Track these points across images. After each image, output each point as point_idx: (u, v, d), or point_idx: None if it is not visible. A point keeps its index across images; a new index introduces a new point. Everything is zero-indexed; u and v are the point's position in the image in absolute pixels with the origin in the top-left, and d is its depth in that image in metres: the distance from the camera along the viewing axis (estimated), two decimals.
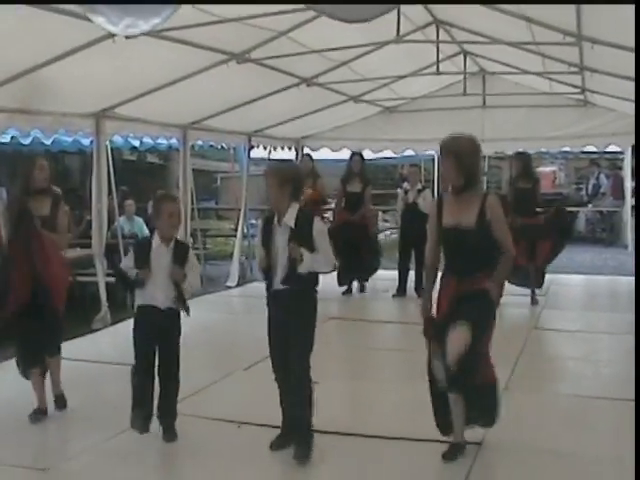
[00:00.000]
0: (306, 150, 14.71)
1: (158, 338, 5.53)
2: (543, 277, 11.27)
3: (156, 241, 5.57)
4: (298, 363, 5.15)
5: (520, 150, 12.44)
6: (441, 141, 5.08)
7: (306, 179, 11.97)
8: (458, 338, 4.78)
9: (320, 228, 5.23)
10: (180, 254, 5.59)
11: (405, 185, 12.38)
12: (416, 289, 11.89)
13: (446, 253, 5.25)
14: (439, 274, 5.32)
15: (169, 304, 5.54)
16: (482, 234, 4.98)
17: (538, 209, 11.27)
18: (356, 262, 11.92)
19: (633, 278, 14.20)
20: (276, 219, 5.21)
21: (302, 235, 5.09)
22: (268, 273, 5.27)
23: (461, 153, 4.98)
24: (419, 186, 12.17)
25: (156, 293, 5.51)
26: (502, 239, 5.02)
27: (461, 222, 4.98)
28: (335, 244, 12.02)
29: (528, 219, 10.64)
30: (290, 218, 5.15)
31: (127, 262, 5.71)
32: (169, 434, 5.61)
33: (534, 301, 11.00)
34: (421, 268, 11.87)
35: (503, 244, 5.02)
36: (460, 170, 4.96)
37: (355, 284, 12.38)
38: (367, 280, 12.42)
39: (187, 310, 5.61)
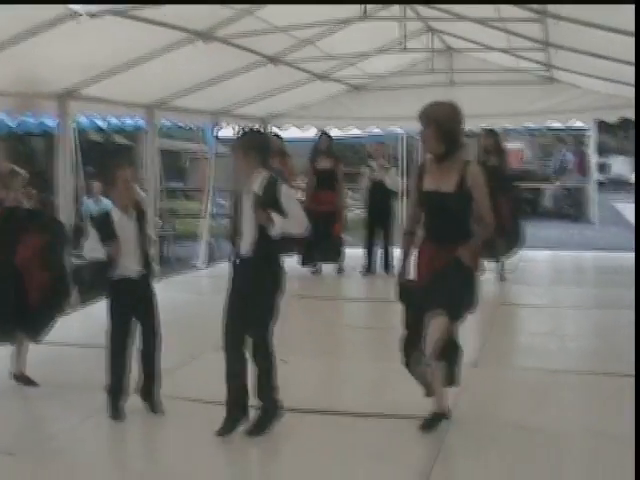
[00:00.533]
0: (273, 129, 14.65)
1: (136, 307, 5.59)
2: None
3: (116, 213, 5.55)
4: (258, 332, 5.16)
5: (488, 127, 12.50)
6: (421, 108, 5.01)
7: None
8: (436, 330, 4.80)
9: (286, 192, 5.19)
10: (143, 218, 5.74)
11: (371, 163, 12.38)
12: (385, 266, 11.97)
13: (426, 219, 5.19)
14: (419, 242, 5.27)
15: (141, 270, 5.60)
16: (462, 200, 4.96)
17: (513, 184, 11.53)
18: (323, 244, 11.90)
19: (600, 254, 14.43)
20: (244, 188, 5.19)
21: (268, 200, 5.05)
22: (235, 240, 5.24)
23: (441, 120, 4.92)
24: (385, 164, 12.21)
25: (128, 264, 5.52)
26: (482, 208, 5.00)
27: (441, 187, 4.95)
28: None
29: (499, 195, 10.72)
30: (256, 184, 5.12)
31: (91, 244, 5.56)
32: (156, 406, 5.68)
33: (502, 277, 11.09)
34: (389, 245, 11.99)
35: (483, 213, 5.01)
36: (440, 138, 4.91)
37: (325, 266, 12.36)
38: (336, 262, 12.33)
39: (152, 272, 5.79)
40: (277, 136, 12.69)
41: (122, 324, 5.55)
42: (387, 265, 12.06)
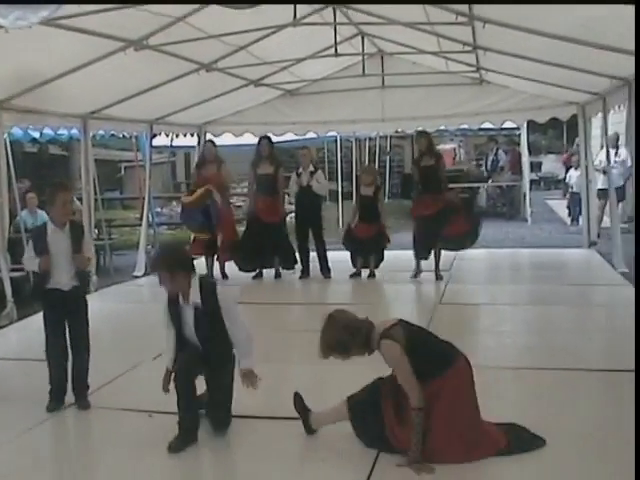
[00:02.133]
0: (208, 136, 14.64)
1: (67, 317, 5.86)
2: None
3: (50, 227, 5.82)
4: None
5: (421, 128, 12.67)
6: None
7: (210, 165, 12.08)
8: None
9: (224, 298, 5.25)
10: (76, 234, 5.89)
11: (298, 169, 12.38)
12: (321, 269, 12.10)
13: None
14: None
15: (73, 283, 5.86)
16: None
17: (447, 185, 11.65)
18: (267, 250, 11.97)
19: (534, 250, 14.71)
20: (180, 298, 5.22)
21: (210, 310, 5.15)
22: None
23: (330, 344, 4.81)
24: (311, 168, 12.16)
25: (59, 277, 5.80)
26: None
27: None
28: (249, 230, 12.12)
29: (435, 195, 11.07)
30: (195, 294, 5.17)
31: (29, 252, 5.88)
32: (83, 402, 5.93)
33: (438, 277, 11.26)
34: (322, 248, 12.09)
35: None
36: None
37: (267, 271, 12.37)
38: (289, 269, 12.32)
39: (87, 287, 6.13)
40: (212, 142, 12.57)
41: (55, 334, 5.84)
42: (322, 268, 12.11)
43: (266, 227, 11.78)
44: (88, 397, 5.98)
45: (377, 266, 11.81)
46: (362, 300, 10.03)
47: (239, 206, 15.71)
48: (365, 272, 11.83)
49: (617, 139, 15.24)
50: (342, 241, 11.99)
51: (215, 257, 12.12)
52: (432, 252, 11.36)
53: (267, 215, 11.84)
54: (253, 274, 12.20)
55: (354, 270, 11.93)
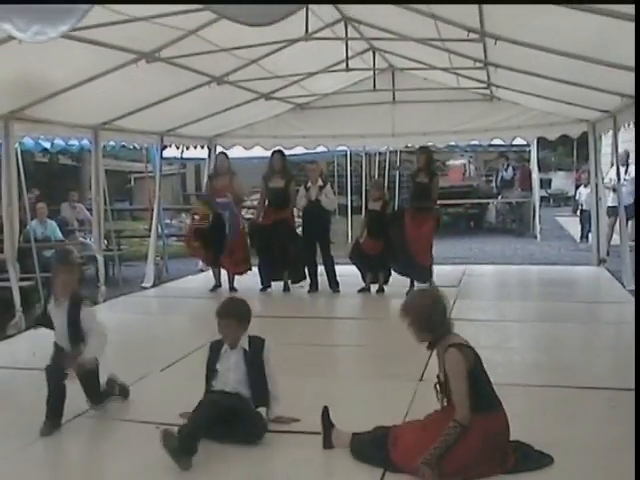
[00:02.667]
0: (219, 149, 14.69)
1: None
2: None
3: (52, 300, 5.92)
4: None
5: (424, 144, 12.74)
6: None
7: (222, 177, 12.14)
8: None
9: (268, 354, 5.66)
10: (73, 313, 5.79)
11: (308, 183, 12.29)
12: (330, 284, 12.05)
13: None
14: None
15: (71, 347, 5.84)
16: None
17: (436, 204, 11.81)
18: (281, 262, 11.98)
19: (543, 267, 14.67)
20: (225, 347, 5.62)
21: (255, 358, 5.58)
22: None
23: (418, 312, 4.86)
24: (320, 183, 12.12)
25: (61, 341, 5.85)
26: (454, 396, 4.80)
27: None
28: (259, 242, 12.18)
29: (423, 213, 11.26)
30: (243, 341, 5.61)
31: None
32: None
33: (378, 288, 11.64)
34: (329, 263, 12.07)
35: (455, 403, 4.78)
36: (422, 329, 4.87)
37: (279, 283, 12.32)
38: (297, 282, 12.28)
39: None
40: (224, 155, 12.63)
41: (55, 380, 5.72)
42: (331, 282, 12.06)
43: (276, 240, 11.76)
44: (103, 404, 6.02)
45: (386, 282, 11.75)
46: (371, 315, 10.04)
47: (248, 218, 15.69)
48: (374, 287, 11.80)
49: (627, 157, 15.21)
50: (349, 256, 11.96)
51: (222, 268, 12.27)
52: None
53: (277, 226, 11.81)
54: (261, 287, 12.17)
55: (363, 285, 11.88)
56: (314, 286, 12.13)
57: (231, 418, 5.29)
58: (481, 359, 4.87)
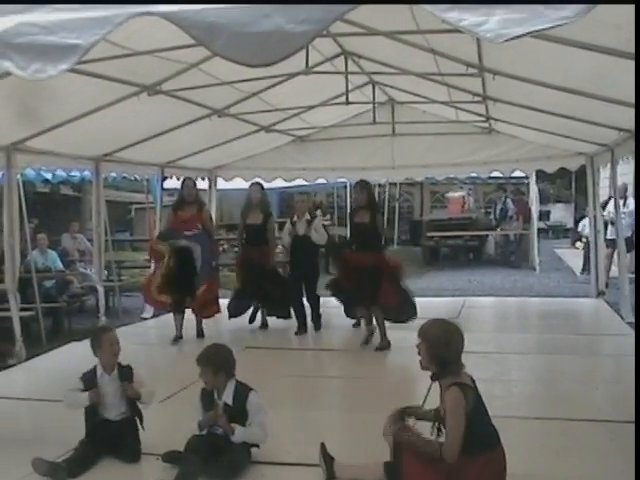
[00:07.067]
0: (219, 180, 14.73)
1: (112, 446, 5.69)
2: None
3: (99, 370, 5.80)
4: None
5: (362, 178, 10.88)
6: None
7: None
8: None
9: (254, 402, 5.50)
10: (125, 378, 5.83)
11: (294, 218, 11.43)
12: (312, 319, 11.44)
13: None
14: None
15: (121, 417, 5.79)
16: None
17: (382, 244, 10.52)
18: (260, 297, 11.39)
19: (543, 299, 14.68)
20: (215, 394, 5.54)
21: (237, 410, 5.43)
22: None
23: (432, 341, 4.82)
24: (307, 217, 11.32)
25: (107, 413, 5.75)
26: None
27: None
28: (241, 278, 11.49)
29: (367, 255, 9.84)
30: (227, 394, 5.49)
31: (75, 386, 5.79)
32: None
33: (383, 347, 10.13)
34: (316, 302, 11.34)
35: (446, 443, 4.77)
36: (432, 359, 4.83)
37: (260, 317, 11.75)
38: (284, 318, 11.49)
39: (141, 422, 5.82)
40: (192, 181, 11.22)
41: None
42: (313, 318, 11.45)
43: (255, 274, 11.09)
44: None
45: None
46: (367, 347, 10.01)
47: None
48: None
49: (625, 190, 15.28)
50: (331, 292, 10.69)
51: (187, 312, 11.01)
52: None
53: (256, 263, 11.11)
54: (249, 319, 11.65)
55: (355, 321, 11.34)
56: (302, 328, 11.31)
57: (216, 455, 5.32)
58: (482, 399, 4.83)
